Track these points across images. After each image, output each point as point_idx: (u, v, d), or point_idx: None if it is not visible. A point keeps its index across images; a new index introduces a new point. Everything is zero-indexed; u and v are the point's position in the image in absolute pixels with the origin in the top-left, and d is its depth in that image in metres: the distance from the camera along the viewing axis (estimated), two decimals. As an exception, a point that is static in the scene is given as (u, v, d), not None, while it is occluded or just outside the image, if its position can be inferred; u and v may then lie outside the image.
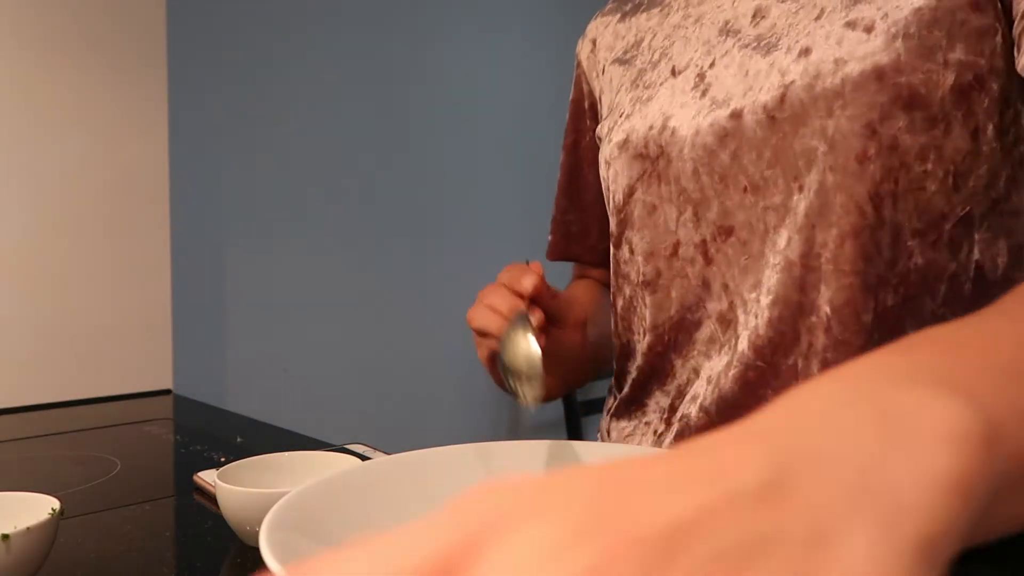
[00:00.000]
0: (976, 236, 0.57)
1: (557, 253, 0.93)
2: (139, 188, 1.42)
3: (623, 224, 0.73)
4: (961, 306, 0.57)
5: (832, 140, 0.57)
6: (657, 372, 0.71)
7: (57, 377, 1.33)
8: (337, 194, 1.89)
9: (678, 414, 0.68)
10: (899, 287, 0.57)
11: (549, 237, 0.93)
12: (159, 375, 1.45)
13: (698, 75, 0.67)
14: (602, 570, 0.16)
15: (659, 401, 0.72)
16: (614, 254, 0.75)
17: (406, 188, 2.00)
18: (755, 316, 0.62)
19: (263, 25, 1.77)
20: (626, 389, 0.75)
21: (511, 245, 2.20)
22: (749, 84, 0.62)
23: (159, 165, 1.44)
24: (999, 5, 0.54)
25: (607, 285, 0.89)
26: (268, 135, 1.79)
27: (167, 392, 1.45)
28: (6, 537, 0.53)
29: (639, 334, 0.73)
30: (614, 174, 0.73)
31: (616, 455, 0.56)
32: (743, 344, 0.62)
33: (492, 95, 2.17)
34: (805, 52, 0.58)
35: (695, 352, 0.68)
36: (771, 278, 0.60)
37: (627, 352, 0.75)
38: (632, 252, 0.72)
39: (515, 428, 2.31)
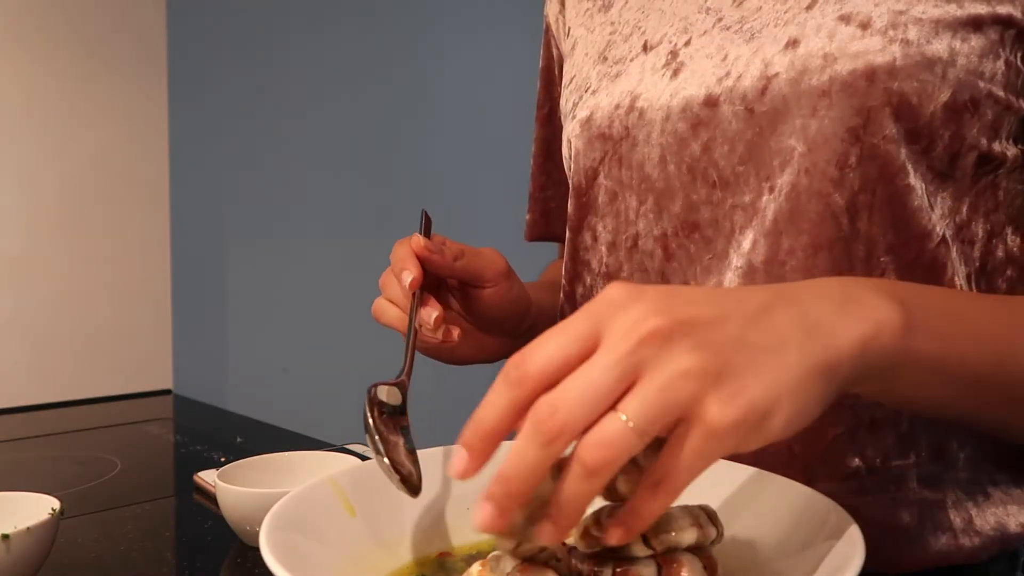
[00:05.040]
0: (950, 259, 0.54)
1: (536, 233, 0.87)
2: (139, 188, 1.42)
3: (585, 209, 0.67)
4: None
5: (813, 141, 0.53)
6: None
7: (57, 377, 1.32)
8: (337, 194, 1.89)
9: None
10: None
11: (527, 216, 0.88)
12: (159, 375, 1.45)
13: (671, 52, 0.62)
14: (661, 329, 0.32)
15: None
16: (572, 239, 0.69)
17: (407, 188, 2.00)
18: None
19: (263, 25, 1.77)
20: None
21: (511, 245, 2.20)
22: (727, 69, 0.57)
23: (159, 165, 1.44)
24: (1005, 33, 0.51)
25: None
26: (268, 135, 1.79)
27: (167, 392, 1.45)
28: (6, 537, 0.53)
29: None
30: (576, 154, 0.68)
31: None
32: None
33: (493, 95, 2.17)
34: (792, 44, 0.54)
35: None
36: (732, 282, 0.57)
37: None
38: (595, 240, 0.67)
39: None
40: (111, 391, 1.38)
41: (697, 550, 0.41)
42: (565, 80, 0.74)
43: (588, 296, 0.69)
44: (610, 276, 0.66)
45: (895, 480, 0.54)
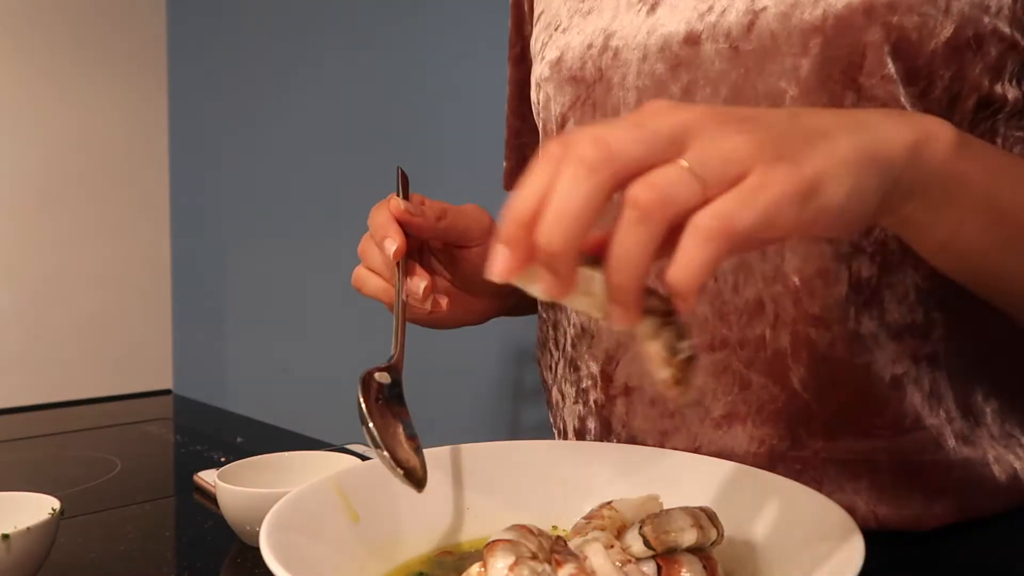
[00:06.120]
0: None
1: (515, 182, 0.84)
2: (139, 190, 1.42)
3: None
4: (945, 281, 0.51)
5: (805, 83, 0.49)
6: (587, 332, 0.63)
7: (57, 377, 1.33)
8: (337, 194, 1.89)
9: (616, 385, 0.60)
10: (875, 256, 0.51)
11: (504, 164, 0.82)
12: (159, 375, 1.45)
13: None
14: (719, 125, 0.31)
15: (589, 366, 0.63)
16: None
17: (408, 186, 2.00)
18: (713, 279, 0.54)
19: (263, 25, 1.77)
20: (567, 347, 0.66)
21: (511, 245, 2.20)
22: (709, 4, 0.53)
23: (159, 165, 1.44)
24: None
25: None
26: (268, 135, 1.79)
27: (167, 392, 1.45)
28: (6, 537, 0.53)
29: None
30: (545, 98, 0.63)
31: (620, 455, 0.56)
32: (704, 308, 0.55)
33: (494, 95, 2.17)
34: None
35: None
36: None
37: (560, 304, 0.67)
38: None
39: (515, 428, 2.31)
40: (111, 391, 1.38)
41: (697, 551, 0.41)
42: (535, 17, 0.70)
43: None
44: None
45: (934, 441, 0.53)
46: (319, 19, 1.86)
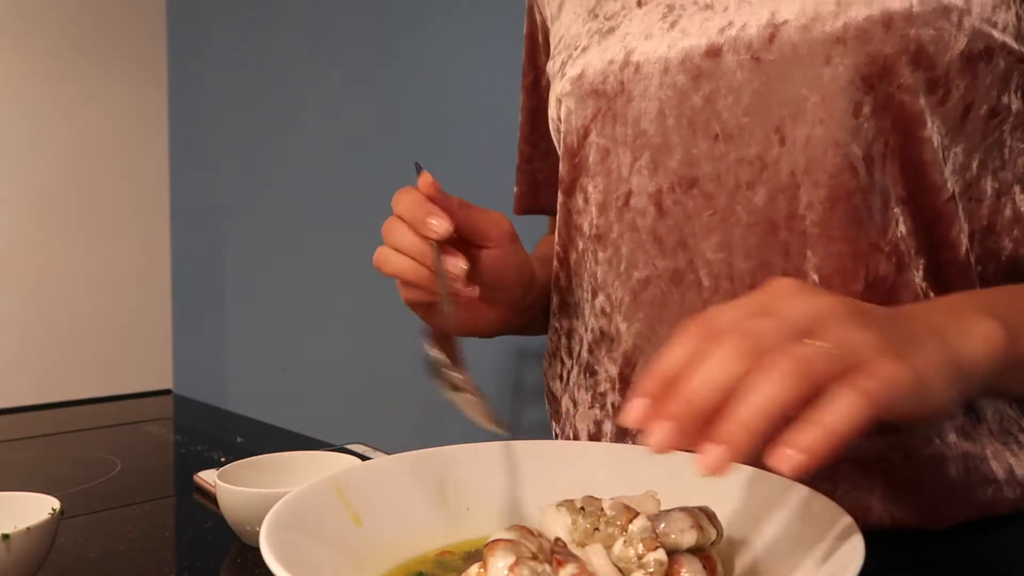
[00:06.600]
0: (956, 216, 0.54)
1: (524, 206, 0.83)
2: (139, 188, 1.42)
3: (577, 170, 0.65)
4: (942, 284, 0.54)
5: (827, 90, 0.52)
6: (605, 336, 0.64)
7: (57, 377, 1.33)
8: (337, 194, 1.89)
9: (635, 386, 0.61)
10: (891, 256, 0.53)
11: (515, 189, 0.84)
12: (159, 375, 1.45)
13: (667, 5, 0.59)
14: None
15: (608, 369, 0.64)
16: (565, 202, 0.67)
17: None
18: (729, 280, 0.56)
19: (263, 25, 1.77)
20: (583, 353, 0.67)
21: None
22: (729, 19, 0.55)
23: (159, 165, 1.44)
24: None
25: None
26: (268, 135, 1.79)
27: (167, 392, 1.45)
28: (6, 537, 0.53)
29: (588, 292, 0.65)
30: (566, 112, 0.65)
31: (620, 455, 0.56)
32: None
33: (495, 94, 2.17)
34: None
35: (641, 315, 0.60)
36: (748, 239, 0.55)
37: (577, 311, 0.67)
38: (587, 202, 0.64)
39: (515, 428, 2.31)
40: (111, 391, 1.38)
41: (696, 550, 0.41)
42: (553, 42, 0.72)
43: (581, 262, 0.66)
44: (600, 239, 0.63)
45: (938, 434, 0.54)
46: (321, 19, 1.86)
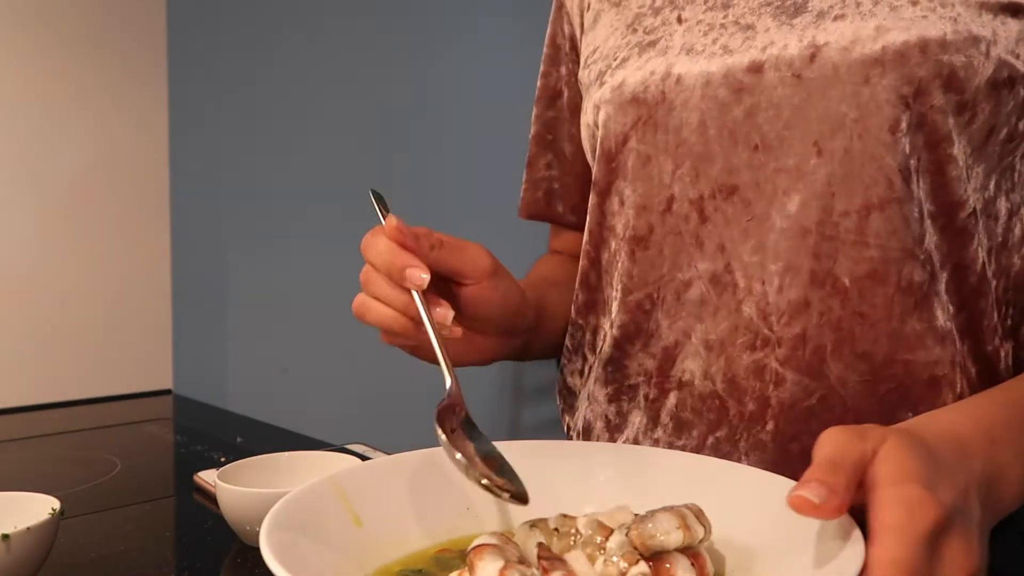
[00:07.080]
0: (977, 231, 0.57)
1: (533, 211, 0.83)
2: (139, 188, 1.42)
3: (613, 174, 0.67)
4: (963, 297, 0.57)
5: (865, 107, 0.55)
6: (640, 332, 0.66)
7: (57, 377, 1.33)
8: (337, 193, 1.89)
9: (672, 379, 0.64)
10: (926, 264, 0.56)
11: (524, 193, 0.84)
12: (159, 375, 1.45)
13: (708, 24, 0.63)
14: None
15: (643, 363, 0.66)
16: (599, 203, 0.68)
17: (407, 187, 2.00)
18: (761, 282, 0.59)
19: (263, 24, 1.77)
20: (605, 348, 0.68)
21: (513, 245, 2.20)
22: (771, 39, 0.59)
23: (159, 165, 1.44)
24: None
25: (578, 256, 0.75)
26: (268, 134, 1.79)
27: (167, 392, 1.45)
28: (6, 537, 0.53)
29: (617, 290, 0.67)
30: (605, 118, 0.67)
31: (620, 455, 0.56)
32: (749, 310, 0.59)
33: (495, 93, 2.17)
34: (840, 17, 0.56)
35: (684, 314, 0.63)
36: (780, 243, 0.58)
37: (603, 308, 0.70)
38: (622, 204, 0.66)
39: (515, 428, 2.31)
40: (111, 391, 1.38)
41: (685, 548, 0.41)
42: (586, 52, 0.73)
43: (613, 261, 0.68)
44: (636, 240, 0.65)
45: None
46: (321, 18, 1.86)
